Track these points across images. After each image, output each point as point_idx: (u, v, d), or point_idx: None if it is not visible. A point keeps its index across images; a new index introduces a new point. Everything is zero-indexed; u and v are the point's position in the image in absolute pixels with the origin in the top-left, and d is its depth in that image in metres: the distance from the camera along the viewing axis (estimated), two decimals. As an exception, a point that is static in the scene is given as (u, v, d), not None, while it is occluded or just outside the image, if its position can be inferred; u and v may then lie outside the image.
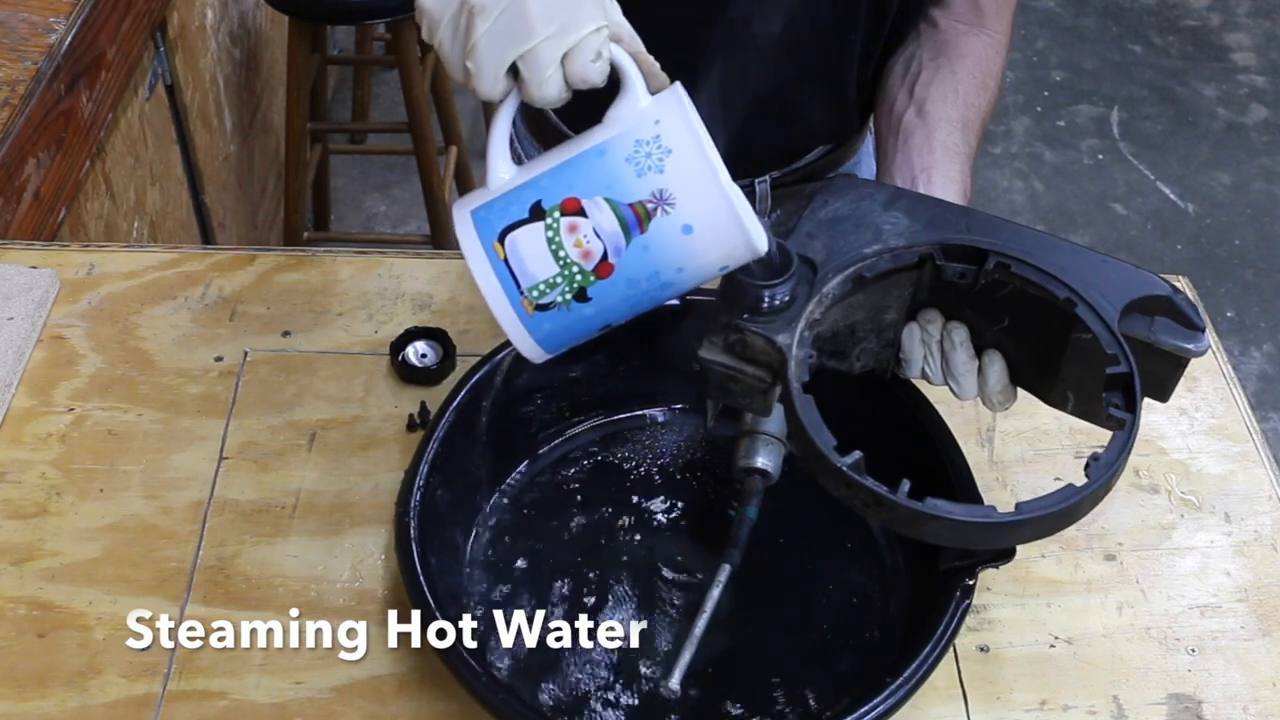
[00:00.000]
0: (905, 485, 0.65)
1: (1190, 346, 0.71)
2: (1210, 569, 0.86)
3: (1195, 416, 0.96)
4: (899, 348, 0.78)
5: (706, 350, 0.73)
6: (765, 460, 0.78)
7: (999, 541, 0.68)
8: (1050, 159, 2.94)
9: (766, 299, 0.70)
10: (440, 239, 2.35)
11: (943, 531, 0.65)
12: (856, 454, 0.66)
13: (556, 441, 0.91)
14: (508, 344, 0.87)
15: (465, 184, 2.53)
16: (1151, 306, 0.72)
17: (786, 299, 0.70)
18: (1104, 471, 0.66)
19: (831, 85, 1.04)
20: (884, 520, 0.66)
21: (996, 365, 0.75)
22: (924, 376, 0.77)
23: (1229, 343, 2.51)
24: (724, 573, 0.75)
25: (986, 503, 0.80)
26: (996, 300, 0.73)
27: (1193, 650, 0.81)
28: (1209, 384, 0.99)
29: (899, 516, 0.65)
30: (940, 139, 0.91)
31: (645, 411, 0.93)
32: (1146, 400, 0.96)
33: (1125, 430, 0.67)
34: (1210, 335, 1.01)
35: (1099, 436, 0.93)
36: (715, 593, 0.74)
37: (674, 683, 0.71)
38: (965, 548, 0.68)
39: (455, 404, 0.84)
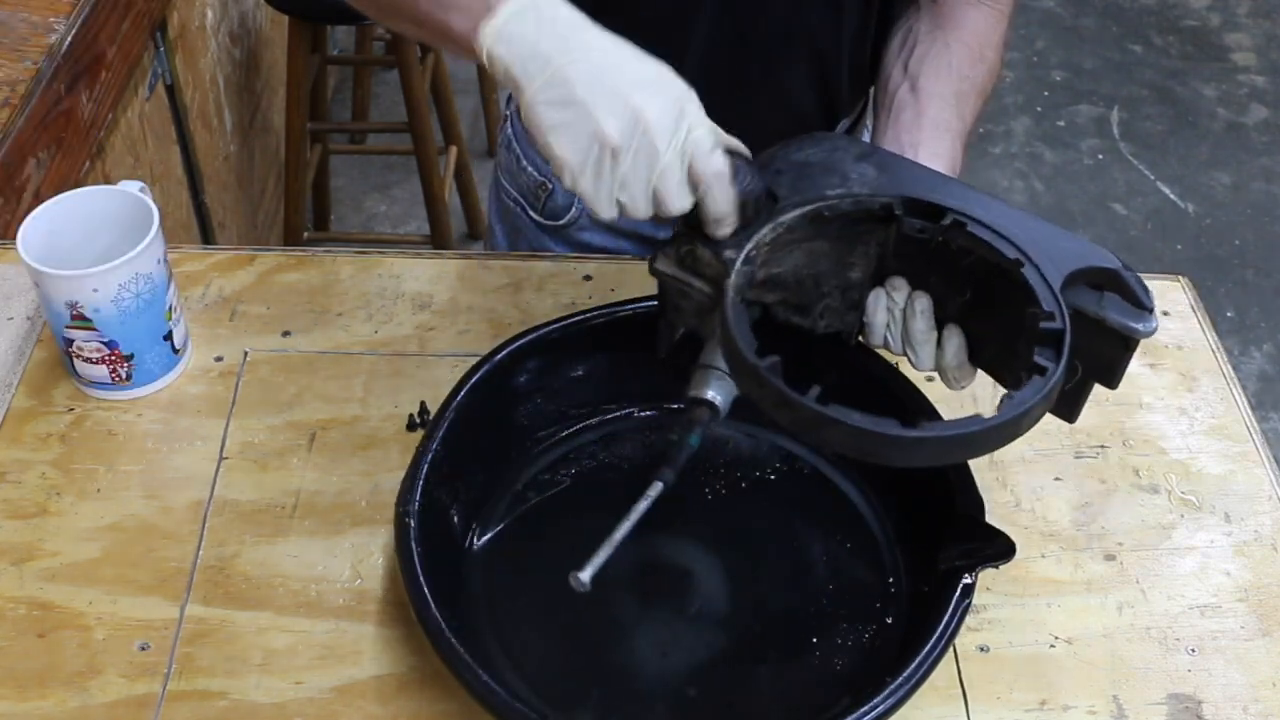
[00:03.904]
0: (814, 390, 0.66)
1: (1138, 326, 0.70)
2: (1210, 569, 0.86)
3: (1195, 416, 0.96)
4: (864, 311, 0.78)
5: (660, 262, 0.76)
6: (714, 393, 0.78)
7: (897, 456, 0.67)
8: (1050, 159, 2.94)
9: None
10: (440, 239, 2.35)
11: (843, 438, 0.65)
12: (774, 358, 0.67)
13: (556, 441, 0.91)
14: (508, 344, 0.87)
15: (465, 184, 2.53)
16: (1101, 281, 0.71)
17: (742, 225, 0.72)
18: (1014, 408, 0.65)
19: (821, 68, 1.04)
20: (790, 423, 0.67)
21: (955, 340, 0.75)
22: (885, 345, 0.78)
23: (1229, 343, 2.51)
24: (655, 489, 0.76)
25: (986, 503, 0.80)
26: (961, 270, 0.73)
27: (1193, 650, 0.81)
28: (1209, 384, 0.99)
29: (803, 418, 0.65)
30: (931, 115, 0.91)
31: (645, 412, 0.93)
32: (1143, 400, 0.97)
33: (1045, 376, 0.67)
34: (1210, 335, 1.02)
35: (1099, 436, 0.94)
36: (642, 505, 0.75)
37: (584, 575, 0.72)
38: (863, 458, 0.68)
39: (455, 404, 0.84)
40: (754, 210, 0.73)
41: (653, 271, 0.77)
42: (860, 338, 0.80)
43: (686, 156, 0.70)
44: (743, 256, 0.71)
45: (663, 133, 0.69)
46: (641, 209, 0.71)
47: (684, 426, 0.78)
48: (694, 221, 0.73)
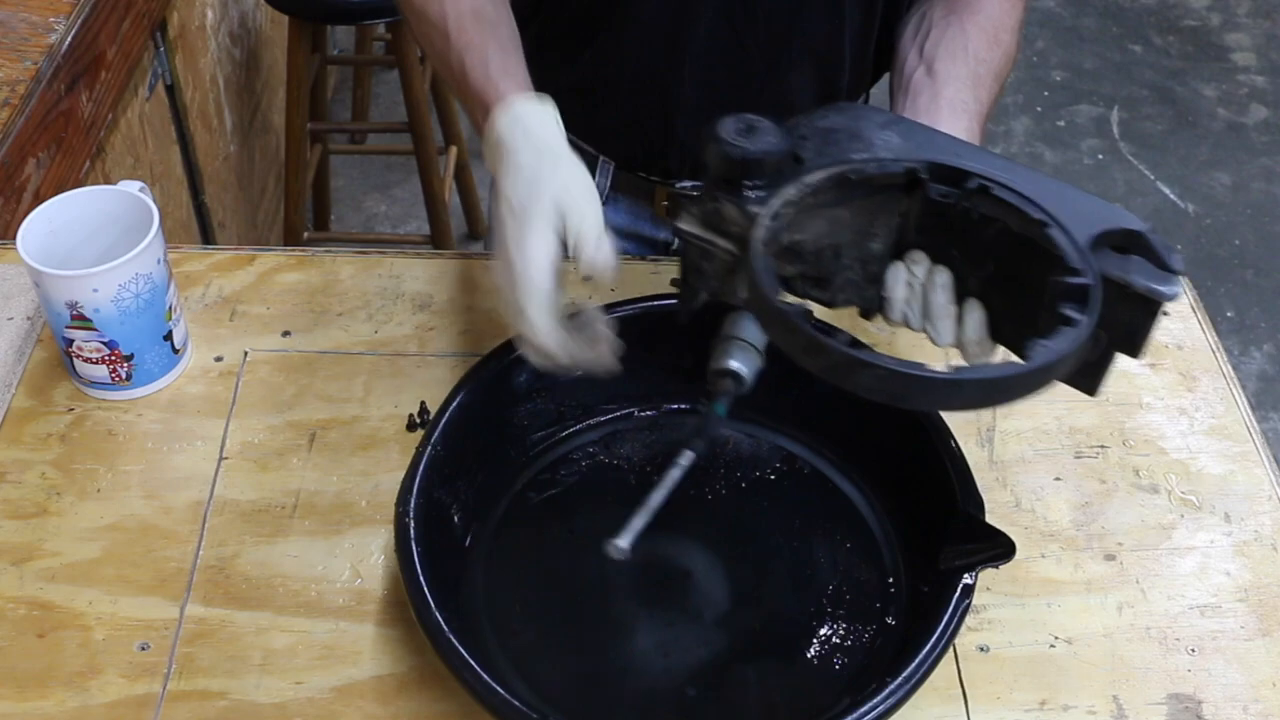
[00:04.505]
0: (844, 335, 0.65)
1: (1163, 289, 0.69)
2: (1210, 569, 0.86)
3: (1195, 416, 0.96)
4: (883, 286, 0.77)
5: (684, 221, 0.75)
6: (739, 364, 0.78)
7: (930, 400, 0.67)
8: (1050, 159, 2.94)
9: (750, 183, 0.72)
10: (440, 239, 2.35)
11: (875, 382, 0.64)
12: (803, 304, 0.67)
13: (556, 441, 0.91)
14: (507, 344, 0.87)
15: (465, 184, 2.53)
16: (1126, 243, 0.71)
17: (766, 184, 0.72)
18: (1047, 355, 0.65)
19: (822, 69, 1.04)
20: (821, 369, 0.66)
21: (975, 314, 0.74)
22: (904, 321, 0.77)
23: (1229, 343, 2.51)
24: (686, 458, 0.76)
25: (986, 503, 0.80)
26: (983, 241, 0.73)
27: (1193, 650, 0.81)
28: (1209, 384, 0.99)
29: (835, 363, 0.65)
30: (948, 97, 0.90)
31: (645, 412, 0.93)
32: (1143, 400, 0.97)
33: (1076, 326, 0.66)
34: (1210, 335, 1.02)
35: (1099, 436, 0.94)
36: (674, 473, 0.75)
37: (623, 541, 0.72)
38: (894, 403, 0.67)
39: (455, 404, 0.84)
40: (778, 170, 0.72)
41: (675, 231, 0.76)
42: (880, 313, 0.79)
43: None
44: (770, 212, 0.71)
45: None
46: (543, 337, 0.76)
47: (709, 397, 0.78)
48: (721, 178, 0.73)
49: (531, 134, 0.80)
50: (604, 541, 0.72)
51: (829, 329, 0.66)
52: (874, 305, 0.78)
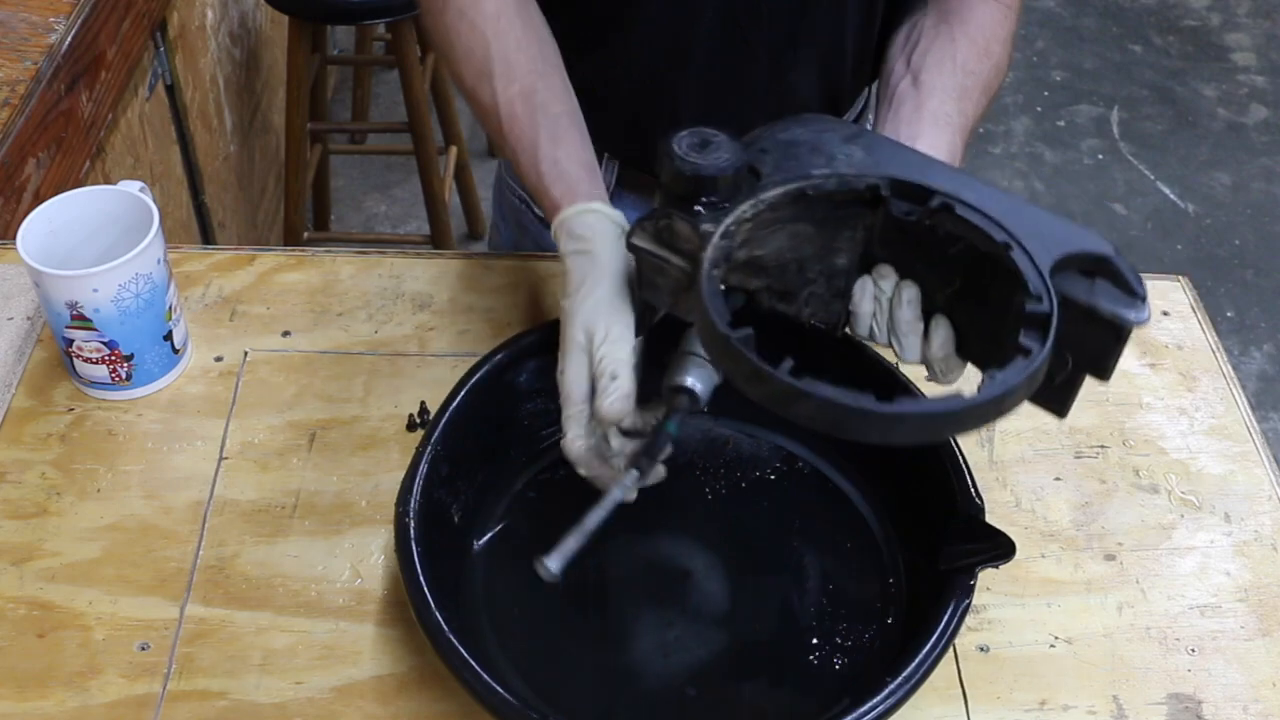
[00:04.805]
0: (787, 363, 0.64)
1: (1130, 315, 0.68)
2: (1210, 569, 0.86)
3: (1195, 416, 0.96)
4: (850, 300, 0.77)
5: (637, 237, 0.75)
6: (693, 380, 0.77)
7: (872, 432, 0.64)
8: (1050, 159, 2.94)
9: (705, 199, 0.71)
10: (440, 239, 2.35)
11: (815, 413, 0.63)
12: (747, 330, 0.66)
13: (557, 441, 0.91)
14: (508, 344, 0.87)
15: (465, 184, 2.53)
16: (1092, 267, 0.70)
17: (722, 200, 0.71)
18: (996, 387, 0.64)
19: (826, 67, 1.04)
20: (761, 397, 0.65)
21: (942, 330, 0.74)
22: (871, 335, 0.77)
23: (1229, 343, 2.51)
24: (630, 477, 0.74)
25: (986, 503, 0.80)
26: (949, 258, 0.72)
27: (1193, 650, 0.81)
28: (1209, 384, 0.99)
29: (775, 392, 0.64)
30: (931, 108, 0.90)
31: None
32: (1143, 400, 0.97)
33: (1029, 358, 0.65)
34: (1210, 335, 1.02)
35: (1099, 436, 0.94)
36: (617, 493, 0.74)
37: (552, 564, 0.71)
38: (838, 434, 0.65)
39: (455, 404, 0.84)
40: (734, 185, 0.72)
41: (629, 246, 0.76)
42: (846, 329, 0.79)
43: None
44: (721, 230, 0.70)
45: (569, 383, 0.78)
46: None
47: (663, 415, 0.77)
48: (675, 194, 0.72)
49: (579, 250, 0.81)
50: (535, 559, 0.71)
51: (775, 356, 0.64)
52: (841, 320, 0.78)
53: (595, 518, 0.72)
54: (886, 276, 0.75)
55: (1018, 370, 0.64)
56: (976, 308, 0.73)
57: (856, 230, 0.75)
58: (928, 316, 0.75)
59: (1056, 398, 0.72)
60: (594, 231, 0.81)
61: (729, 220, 0.71)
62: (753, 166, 0.73)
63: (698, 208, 0.71)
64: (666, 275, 0.75)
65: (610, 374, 0.76)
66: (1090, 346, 0.70)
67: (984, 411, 0.64)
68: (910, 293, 0.74)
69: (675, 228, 0.72)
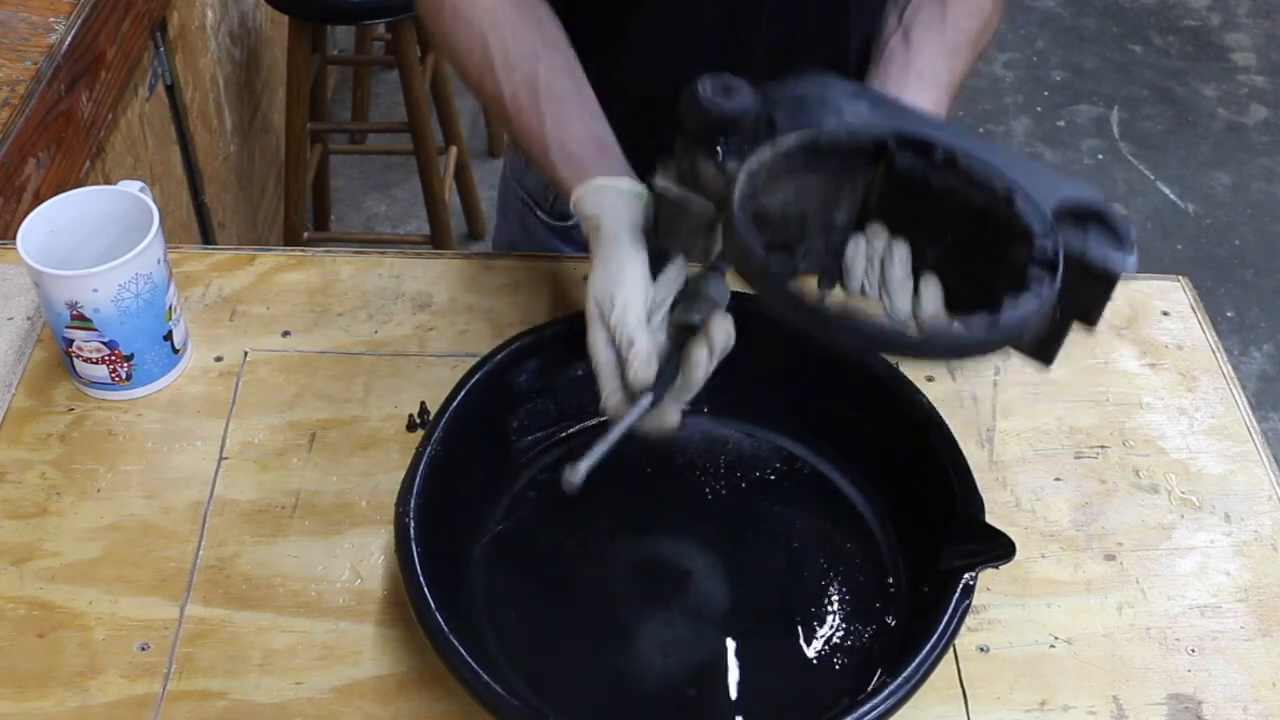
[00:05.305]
0: (825, 293, 0.68)
1: (1118, 262, 0.71)
2: (1210, 569, 0.86)
3: (1195, 416, 0.96)
4: (843, 257, 0.79)
5: (660, 178, 0.77)
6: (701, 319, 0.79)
7: (909, 350, 0.70)
8: (1050, 159, 2.94)
9: (721, 141, 0.73)
10: (440, 239, 2.35)
11: (852, 335, 0.67)
12: (784, 256, 0.69)
13: (557, 441, 0.91)
14: (507, 344, 0.87)
15: (465, 184, 2.53)
16: (1082, 215, 0.72)
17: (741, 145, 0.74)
18: (1016, 316, 0.67)
19: (826, 66, 1.04)
20: (799, 322, 0.68)
21: (931, 288, 0.76)
22: (862, 291, 0.78)
23: (1229, 343, 2.51)
24: (648, 398, 0.76)
25: (986, 503, 0.80)
26: (944, 213, 0.74)
27: (1193, 650, 0.81)
28: (1209, 384, 0.99)
29: (813, 318, 0.67)
30: (919, 66, 0.91)
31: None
32: (1143, 400, 0.97)
33: (1042, 293, 0.68)
34: (1210, 335, 1.02)
35: (1099, 436, 0.94)
36: (639, 406, 0.76)
37: (575, 474, 0.74)
38: (871, 353, 0.71)
39: (455, 404, 0.84)
40: (754, 130, 0.74)
41: (651, 188, 0.78)
42: (840, 285, 0.80)
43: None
44: (747, 169, 0.72)
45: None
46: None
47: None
48: (698, 135, 0.74)
49: (591, 227, 0.83)
50: (565, 468, 0.74)
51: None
52: (835, 276, 0.80)
53: (619, 430, 0.75)
54: (878, 235, 0.77)
55: (1034, 303, 0.67)
56: (966, 265, 0.75)
57: (857, 185, 0.77)
58: (918, 275, 0.76)
59: (1044, 345, 0.75)
60: (600, 206, 0.82)
61: (753, 162, 0.72)
62: (769, 116, 0.75)
63: (718, 149, 0.73)
64: (687, 217, 0.77)
65: (628, 340, 0.77)
66: (1079, 295, 0.72)
67: (1003, 339, 0.69)
68: (901, 251, 0.76)
69: (700, 168, 0.74)
